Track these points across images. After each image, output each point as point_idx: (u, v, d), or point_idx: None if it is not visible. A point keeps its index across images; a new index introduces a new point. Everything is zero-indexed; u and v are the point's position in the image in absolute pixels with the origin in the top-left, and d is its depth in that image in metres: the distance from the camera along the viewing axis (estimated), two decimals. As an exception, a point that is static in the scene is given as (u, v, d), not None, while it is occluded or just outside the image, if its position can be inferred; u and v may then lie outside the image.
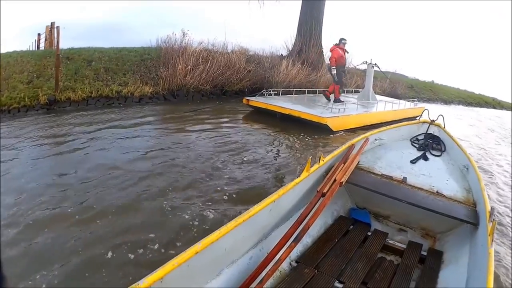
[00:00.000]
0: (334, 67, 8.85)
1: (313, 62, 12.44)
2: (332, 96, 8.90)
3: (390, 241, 2.92)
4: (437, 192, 3.12)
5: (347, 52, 9.00)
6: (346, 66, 8.85)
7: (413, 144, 4.07)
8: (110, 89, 7.46)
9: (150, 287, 1.48)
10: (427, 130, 4.18)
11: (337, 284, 2.31)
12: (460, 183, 3.31)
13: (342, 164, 3.08)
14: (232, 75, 9.80)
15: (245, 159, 4.90)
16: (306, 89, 10.15)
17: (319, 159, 2.95)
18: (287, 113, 7.28)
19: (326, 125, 6.73)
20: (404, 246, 2.84)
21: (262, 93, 8.42)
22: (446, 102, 19.55)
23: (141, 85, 7.94)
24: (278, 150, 5.57)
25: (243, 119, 7.57)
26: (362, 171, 3.38)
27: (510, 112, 26.09)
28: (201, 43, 9.90)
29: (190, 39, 9.54)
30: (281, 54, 12.66)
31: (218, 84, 9.44)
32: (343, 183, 2.83)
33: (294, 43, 13.00)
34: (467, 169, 3.51)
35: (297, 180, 2.64)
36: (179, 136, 5.67)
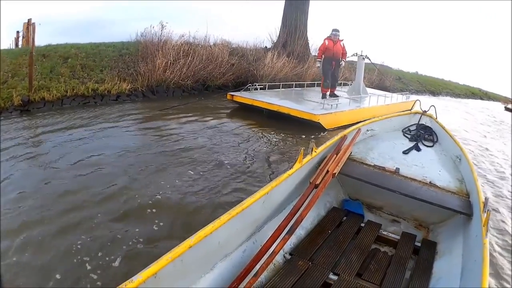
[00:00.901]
0: (319, 59, 8.74)
1: (299, 55, 12.33)
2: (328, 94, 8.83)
3: (383, 232, 2.98)
4: (430, 182, 3.18)
5: (336, 43, 8.67)
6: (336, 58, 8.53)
7: (405, 135, 4.14)
8: (86, 87, 7.24)
9: (144, 282, 1.50)
10: (419, 121, 4.24)
11: (331, 276, 2.36)
12: (453, 174, 3.38)
13: (335, 155, 3.13)
14: (214, 69, 9.62)
15: (217, 168, 4.67)
16: (294, 83, 10.03)
17: (312, 150, 2.98)
18: (275, 109, 7.05)
19: (318, 122, 6.53)
20: (398, 237, 2.90)
21: (247, 87, 8.16)
22: (434, 93, 19.81)
23: (118, 81, 7.72)
24: (264, 155, 5.39)
25: (226, 116, 7.39)
26: (355, 162, 3.44)
27: (498, 103, 26.46)
28: (182, 36, 9.68)
29: (170, 32, 9.27)
30: (265, 47, 12.51)
31: (200, 79, 9.28)
32: (336, 174, 2.88)
33: (279, 35, 12.97)
34: (459, 159, 3.59)
35: (289, 172, 2.67)
36: (149, 138, 5.46)
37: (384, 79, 15.08)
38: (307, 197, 2.55)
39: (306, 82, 10.57)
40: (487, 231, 2.21)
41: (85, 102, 7.11)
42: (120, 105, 7.22)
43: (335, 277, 2.34)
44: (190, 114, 6.95)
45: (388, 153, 3.67)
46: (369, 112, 7.77)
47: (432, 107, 4.31)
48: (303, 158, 2.82)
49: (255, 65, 10.61)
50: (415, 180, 3.19)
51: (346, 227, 2.95)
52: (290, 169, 2.72)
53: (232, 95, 7.91)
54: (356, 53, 10.34)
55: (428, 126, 4.20)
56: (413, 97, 11.28)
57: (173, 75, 8.49)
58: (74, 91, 7.02)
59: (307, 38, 13.20)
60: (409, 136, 4.09)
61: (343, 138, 3.50)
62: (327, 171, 2.83)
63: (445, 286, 2.28)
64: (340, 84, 12.20)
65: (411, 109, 4.41)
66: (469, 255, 2.33)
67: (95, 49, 8.83)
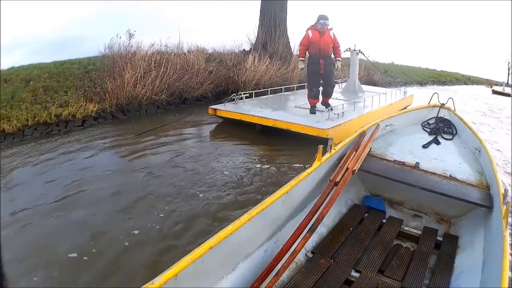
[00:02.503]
0: (302, 58, 7.05)
1: (282, 55, 12.17)
2: (318, 105, 7.33)
3: (405, 228, 3.12)
4: (450, 176, 3.32)
5: (324, 34, 6.76)
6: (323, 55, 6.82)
7: (424, 128, 4.33)
8: (49, 113, 6.69)
9: (165, 284, 1.55)
10: (437, 114, 4.43)
11: (353, 273, 2.47)
12: (473, 166, 3.54)
13: (354, 152, 3.30)
14: (191, 79, 9.30)
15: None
16: (282, 87, 9.51)
17: (331, 148, 3.13)
18: (271, 125, 6.38)
19: (328, 139, 5.38)
20: (420, 232, 3.04)
21: (231, 98, 7.53)
22: (421, 83, 19.84)
23: (84, 103, 7.26)
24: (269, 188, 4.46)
25: (211, 136, 6.87)
26: (374, 158, 3.60)
27: (482, 87, 27.10)
28: (153, 44, 9.28)
29: (139, 41, 8.90)
30: (244, 49, 12.11)
31: (175, 92, 8.96)
32: (356, 171, 3.04)
33: (258, 36, 12.88)
34: (479, 151, 3.73)
35: (309, 170, 2.80)
36: (107, 179, 4.58)
37: (373, 73, 14.50)
38: (328, 194, 2.69)
39: (295, 85, 10.10)
40: (507, 224, 2.30)
41: (48, 131, 6.53)
42: (86, 132, 6.59)
43: (357, 274, 2.46)
44: (166, 137, 6.41)
45: (408, 147, 3.85)
46: (377, 115, 7.16)
47: (450, 99, 4.50)
48: (322, 155, 2.95)
49: (235, 71, 10.35)
50: (435, 174, 3.35)
51: (367, 223, 3.10)
52: (309, 167, 2.84)
53: (215, 109, 7.20)
54: (349, 48, 9.93)
55: (446, 119, 4.38)
56: (409, 91, 11.27)
57: (144, 90, 8.10)
58: (36, 119, 6.52)
59: (287, 37, 13.12)
60: (428, 130, 4.27)
61: (362, 134, 3.68)
62: (347, 168, 2.99)
63: (466, 280, 2.37)
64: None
65: (429, 101, 4.60)
66: (490, 249, 2.42)
67: (59, 68, 8.46)
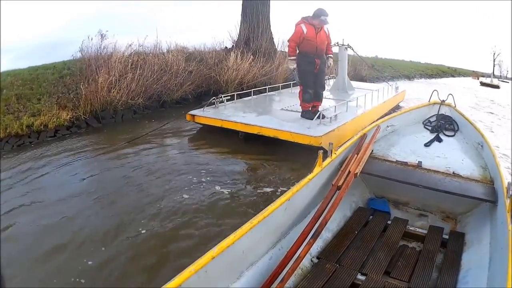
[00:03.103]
0: (292, 57, 6.15)
1: (265, 51, 12.01)
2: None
3: (410, 228, 3.19)
4: (453, 173, 3.40)
5: (320, 30, 6.06)
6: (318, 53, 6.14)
7: (426, 126, 4.42)
8: (20, 124, 6.34)
9: None
10: (438, 111, 4.54)
11: (359, 276, 2.54)
12: (476, 161, 3.62)
13: (355, 155, 3.39)
14: (169, 80, 8.98)
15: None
16: (266, 87, 9.13)
17: (331, 152, 3.21)
18: (257, 132, 5.89)
19: (322, 147, 5.05)
20: (425, 232, 3.12)
21: (211, 101, 7.01)
22: (409, 77, 19.82)
23: (57, 111, 6.92)
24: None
25: (190, 145, 6.32)
26: (377, 160, 3.69)
27: (469, 78, 27.74)
28: (130, 45, 9.03)
29: (113, 42, 8.56)
30: (225, 47, 12.28)
31: (153, 95, 8.63)
32: (358, 174, 3.12)
33: (240, 32, 12.78)
34: (481, 146, 3.81)
35: (310, 176, 2.88)
36: (47, 208, 3.96)
37: (360, 68, 14.29)
38: (330, 199, 2.77)
39: (280, 85, 9.88)
40: (511, 218, 2.31)
41: (20, 143, 6.19)
42: (57, 143, 6.24)
43: (363, 277, 2.52)
44: (136, 148, 5.86)
45: (410, 147, 3.94)
46: (372, 115, 7.21)
47: (450, 95, 4.62)
48: (323, 160, 3.04)
49: (217, 70, 10.13)
50: (438, 172, 3.43)
51: (372, 226, 3.17)
52: (310, 173, 2.92)
53: (193, 115, 6.71)
54: (337, 43, 9.52)
55: (448, 116, 4.48)
56: (400, 86, 11.09)
57: (120, 94, 7.78)
58: (8, 131, 6.18)
59: (271, 33, 13.07)
60: (430, 128, 4.36)
61: (363, 137, 3.79)
62: (349, 172, 3.08)
63: (474, 277, 2.41)
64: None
65: (429, 99, 4.71)
66: (496, 244, 2.47)
67: (33, 74, 8.11)
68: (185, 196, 4.19)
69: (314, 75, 6.20)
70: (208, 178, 4.67)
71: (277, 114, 6.80)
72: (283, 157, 5.45)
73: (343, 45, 9.50)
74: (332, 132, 5.62)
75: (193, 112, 6.77)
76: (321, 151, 3.03)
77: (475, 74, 33.43)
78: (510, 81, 32.81)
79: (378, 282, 2.46)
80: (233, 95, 7.81)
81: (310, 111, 6.31)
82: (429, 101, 4.68)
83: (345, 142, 3.67)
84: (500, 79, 30.25)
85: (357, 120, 6.44)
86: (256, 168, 5.20)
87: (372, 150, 3.73)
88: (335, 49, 9.03)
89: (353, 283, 2.48)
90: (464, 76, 32.19)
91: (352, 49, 9.74)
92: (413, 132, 4.31)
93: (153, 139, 6.38)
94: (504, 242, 2.20)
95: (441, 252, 2.87)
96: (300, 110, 6.58)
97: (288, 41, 6.19)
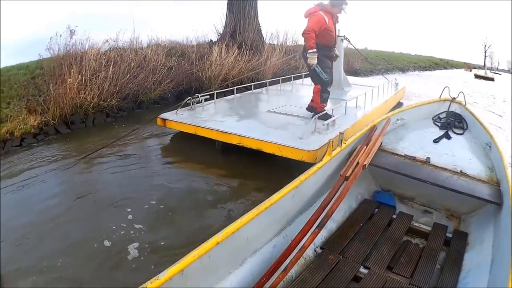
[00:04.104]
0: (314, 50, 5.30)
1: (252, 44, 11.71)
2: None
3: (415, 224, 3.34)
4: (460, 171, 3.54)
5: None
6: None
7: (435, 123, 4.58)
8: None
9: (171, 280, 1.65)
10: (448, 108, 4.69)
11: (362, 269, 2.67)
12: (483, 162, 3.77)
13: (365, 146, 3.53)
14: (147, 78, 8.50)
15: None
16: (252, 84, 8.66)
17: (341, 142, 3.34)
18: (236, 143, 5.17)
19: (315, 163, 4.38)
20: (429, 229, 3.28)
21: (187, 102, 6.35)
22: (403, 70, 19.64)
23: (26, 115, 6.51)
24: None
25: (162, 158, 5.52)
26: (385, 153, 3.82)
27: (462, 70, 28.02)
28: (107, 41, 8.56)
29: (86, 39, 7.97)
30: (211, 40, 12.23)
31: (129, 94, 8.15)
32: (366, 165, 3.27)
33: (225, 24, 12.58)
34: (489, 147, 3.95)
35: (319, 165, 2.99)
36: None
37: (353, 61, 13.89)
38: (338, 189, 2.87)
39: (268, 80, 9.27)
40: None
41: None
42: (24, 152, 5.68)
43: (365, 271, 2.65)
44: (95, 163, 5.18)
45: (419, 142, 4.09)
46: (374, 117, 6.27)
47: (461, 93, 4.78)
48: (332, 150, 3.16)
49: (200, 65, 9.71)
50: (446, 169, 3.57)
51: (377, 219, 3.31)
52: (319, 161, 3.04)
53: (164, 120, 5.97)
54: None
55: (457, 113, 4.64)
56: (391, 79, 10.48)
57: (91, 96, 7.28)
58: None
59: (259, 24, 12.88)
60: (439, 124, 4.52)
61: (373, 128, 3.93)
62: (357, 163, 3.21)
63: (475, 278, 2.52)
64: (302, 76, 10.69)
65: (440, 96, 4.90)
66: (499, 246, 2.59)
67: (4, 75, 7.71)
68: (107, 244, 3.26)
69: (331, 71, 5.86)
70: (148, 218, 3.70)
71: (263, 118, 6.17)
72: (271, 174, 4.68)
73: (338, 36, 8.48)
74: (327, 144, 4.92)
75: (164, 115, 6.05)
76: (331, 140, 3.20)
77: (467, 66, 33.88)
78: (501, 73, 33.19)
79: (380, 277, 2.58)
80: (214, 93, 7.04)
81: (327, 113, 5.69)
82: (439, 97, 4.89)
83: (355, 133, 3.85)
84: (492, 71, 30.37)
85: (358, 125, 5.69)
86: (231, 196, 4.30)
87: (381, 143, 3.91)
88: None
89: (356, 276, 2.61)
90: (457, 68, 32.47)
91: (349, 41, 9.19)
92: (422, 127, 4.49)
93: (117, 149, 5.71)
94: (507, 245, 2.30)
95: (444, 250, 3.03)
96: (290, 113, 6.25)
97: (305, 31, 5.32)
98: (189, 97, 6.42)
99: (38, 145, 6.03)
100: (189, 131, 5.65)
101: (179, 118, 5.86)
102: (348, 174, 3.02)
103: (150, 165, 5.16)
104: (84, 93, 7.11)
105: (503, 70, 49.26)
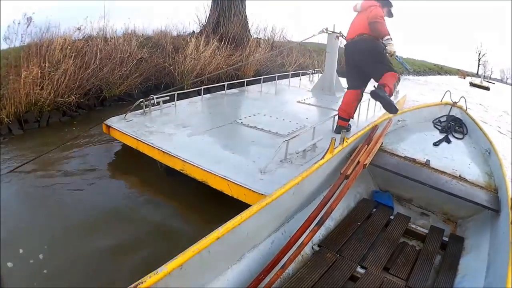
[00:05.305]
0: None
1: (235, 37, 11.20)
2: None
3: (412, 226, 3.57)
4: (459, 176, 3.77)
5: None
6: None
7: (436, 126, 4.80)
8: None
9: (170, 274, 1.73)
10: (449, 112, 4.95)
11: (359, 269, 2.84)
12: (482, 168, 4.00)
13: (366, 146, 3.74)
14: (112, 71, 8.14)
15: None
16: (225, 83, 7.87)
17: (343, 140, 3.53)
18: (179, 169, 4.33)
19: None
20: (426, 231, 3.50)
21: (140, 103, 5.68)
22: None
23: None
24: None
25: (90, 173, 4.80)
26: (385, 153, 4.03)
27: (455, 77, 28.57)
28: (78, 29, 8.06)
29: (47, 27, 7.45)
30: (193, 31, 11.86)
31: (91, 89, 7.81)
32: (367, 165, 3.49)
33: (209, 15, 12.09)
34: (489, 153, 4.18)
35: (320, 162, 3.14)
36: None
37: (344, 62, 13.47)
38: (338, 188, 3.06)
39: (245, 80, 8.56)
40: None
41: None
42: None
43: (362, 271, 2.82)
44: (25, 176, 4.58)
45: (419, 144, 4.31)
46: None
47: (462, 98, 5.04)
48: (334, 148, 3.35)
49: (173, 59, 9.19)
50: (445, 173, 3.80)
51: (375, 219, 3.53)
52: (321, 159, 3.22)
53: (109, 126, 5.29)
54: (326, 29, 8.32)
55: (458, 118, 4.89)
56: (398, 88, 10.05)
57: (47, 92, 6.82)
58: None
59: (245, 14, 12.53)
60: (439, 128, 4.74)
61: (375, 128, 4.16)
62: (358, 162, 3.42)
63: (470, 283, 2.69)
64: (289, 75, 10.07)
65: (442, 99, 5.17)
66: (496, 253, 2.74)
67: None
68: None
69: None
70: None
71: (225, 133, 5.37)
72: (227, 209, 3.55)
73: (333, 32, 8.27)
74: None
75: (110, 121, 5.39)
76: (334, 138, 3.35)
77: (461, 73, 34.28)
78: (495, 82, 33.50)
79: (377, 277, 2.75)
80: (174, 94, 6.15)
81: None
82: (441, 101, 5.19)
83: (356, 132, 4.10)
84: (485, 80, 30.53)
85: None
86: (154, 239, 3.61)
87: (382, 143, 4.15)
88: (321, 38, 8.22)
89: (353, 275, 2.79)
90: (450, 75, 32.90)
91: (344, 38, 8.31)
92: (423, 129, 4.73)
93: (56, 159, 5.04)
94: (504, 253, 2.42)
95: (440, 254, 3.24)
96: (261, 126, 5.48)
97: (379, 17, 4.75)
98: (141, 100, 5.62)
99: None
100: (131, 145, 4.92)
101: (124, 126, 5.14)
102: (348, 173, 3.27)
103: (76, 185, 4.36)
104: (40, 89, 6.75)
105: (495, 79, 50.76)
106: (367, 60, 4.84)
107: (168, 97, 6.08)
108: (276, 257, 2.50)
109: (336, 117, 5.47)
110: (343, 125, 5.24)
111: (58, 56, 7.29)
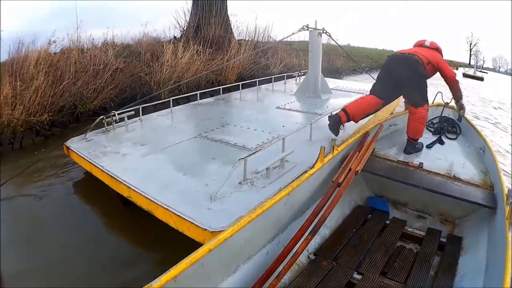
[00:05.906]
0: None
1: (216, 40, 10.96)
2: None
3: (409, 229, 3.66)
4: (454, 176, 3.83)
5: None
6: None
7: (428, 128, 4.84)
8: None
9: (164, 286, 1.74)
10: (441, 113, 5.01)
11: (355, 275, 2.90)
12: (477, 166, 4.07)
13: (357, 153, 3.84)
14: (86, 85, 7.97)
15: None
16: (198, 93, 7.44)
17: (333, 149, 3.60)
18: (126, 195, 3.79)
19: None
20: (423, 233, 3.59)
21: (102, 120, 5.41)
22: None
23: None
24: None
25: (47, 203, 4.49)
26: (378, 158, 4.11)
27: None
28: (54, 41, 7.78)
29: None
30: (174, 37, 11.56)
31: (65, 105, 7.66)
32: (359, 171, 3.59)
33: (190, 19, 11.85)
34: (483, 151, 4.26)
35: (311, 171, 3.20)
36: None
37: (334, 58, 13.40)
38: (330, 196, 3.13)
39: (227, 85, 8.42)
40: (510, 225, 2.60)
41: None
42: None
43: (359, 277, 2.88)
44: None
45: None
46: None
47: (439, 93, 5.24)
48: (324, 156, 3.39)
49: (150, 68, 8.92)
50: (439, 174, 3.88)
51: (371, 225, 3.61)
52: (311, 168, 3.32)
53: (68, 148, 5.03)
54: (307, 26, 7.81)
55: (450, 118, 4.93)
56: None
57: (19, 112, 6.67)
58: None
59: (227, 15, 12.19)
60: (432, 130, 4.79)
61: (366, 134, 4.25)
62: (350, 169, 3.52)
63: (469, 282, 2.72)
64: (271, 78, 9.71)
65: (433, 101, 5.19)
66: (493, 250, 2.78)
67: None
68: None
69: None
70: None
71: (184, 149, 4.88)
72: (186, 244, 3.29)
73: (315, 29, 7.76)
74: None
75: (70, 142, 5.08)
76: (323, 146, 3.42)
77: (453, 64, 34.09)
78: (488, 72, 33.42)
79: (374, 282, 2.82)
80: (139, 108, 5.75)
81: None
82: (432, 102, 5.23)
83: (347, 139, 4.23)
84: (478, 70, 30.40)
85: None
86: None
87: (374, 149, 4.27)
88: (304, 35, 8.16)
89: (349, 282, 2.85)
90: None
91: (329, 35, 8.09)
92: None
93: (30, 183, 4.75)
94: (501, 249, 2.46)
95: (438, 255, 3.30)
96: (227, 140, 4.99)
97: (453, 76, 4.63)
98: (102, 116, 5.32)
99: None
100: (86, 168, 4.63)
101: (81, 147, 4.82)
102: (340, 180, 3.39)
103: (24, 225, 3.90)
104: (12, 109, 6.57)
105: (487, 69, 50.80)
106: (413, 83, 4.26)
107: (133, 112, 5.62)
108: (270, 267, 2.56)
109: (320, 120, 5.00)
110: (341, 117, 4.57)
111: (33, 72, 7.09)
